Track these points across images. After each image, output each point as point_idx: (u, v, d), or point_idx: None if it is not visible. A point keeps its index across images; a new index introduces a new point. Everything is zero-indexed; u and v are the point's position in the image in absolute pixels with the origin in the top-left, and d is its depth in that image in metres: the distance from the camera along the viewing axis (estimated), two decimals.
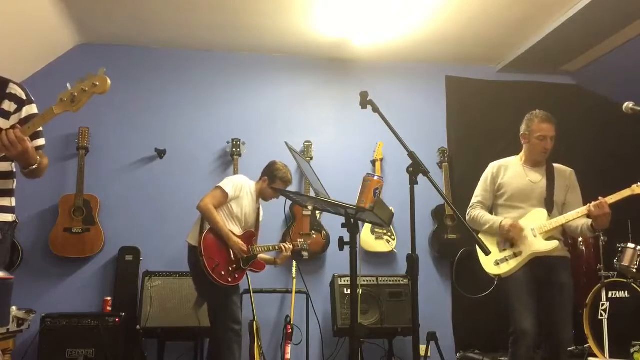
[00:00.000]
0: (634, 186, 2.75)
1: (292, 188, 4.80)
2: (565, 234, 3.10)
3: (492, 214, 3.15)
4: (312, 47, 4.93)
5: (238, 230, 3.59)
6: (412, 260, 2.22)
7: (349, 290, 4.22)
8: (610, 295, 3.95)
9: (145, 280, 4.21)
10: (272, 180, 3.68)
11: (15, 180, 2.20)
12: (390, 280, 4.43)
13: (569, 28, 4.33)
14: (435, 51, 5.02)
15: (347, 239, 2.24)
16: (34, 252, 4.43)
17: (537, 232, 2.92)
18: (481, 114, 5.17)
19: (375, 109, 2.37)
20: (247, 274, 3.77)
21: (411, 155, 2.23)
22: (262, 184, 3.72)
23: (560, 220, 2.91)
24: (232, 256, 3.51)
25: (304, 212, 4.58)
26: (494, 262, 2.97)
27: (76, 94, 1.98)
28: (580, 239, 4.46)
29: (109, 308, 4.28)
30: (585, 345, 4.03)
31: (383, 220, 2.34)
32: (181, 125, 4.87)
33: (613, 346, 3.83)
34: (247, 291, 4.17)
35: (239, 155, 4.70)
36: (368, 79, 5.10)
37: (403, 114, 4.98)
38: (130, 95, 4.81)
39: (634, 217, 4.02)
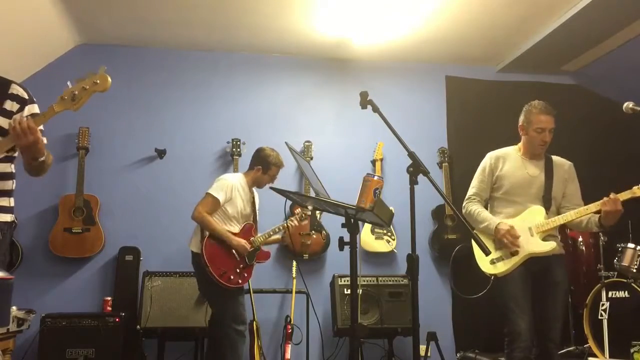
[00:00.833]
0: (635, 188, 2.73)
1: (292, 188, 4.82)
2: (561, 230, 3.05)
3: (487, 206, 3.09)
4: (312, 47, 4.93)
5: (237, 229, 3.59)
6: (412, 260, 2.21)
7: (349, 290, 4.22)
8: (610, 295, 3.95)
9: (145, 280, 4.21)
10: (267, 167, 3.66)
11: (14, 181, 2.21)
12: (390, 280, 4.43)
13: (569, 28, 4.32)
14: (435, 51, 5.02)
15: (347, 239, 2.24)
16: (34, 252, 4.43)
17: (535, 231, 2.85)
18: (481, 114, 5.17)
19: (375, 109, 2.36)
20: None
21: (411, 155, 2.23)
22: (255, 173, 3.68)
23: (559, 219, 2.86)
24: (237, 256, 3.51)
25: (304, 212, 4.56)
26: (490, 260, 2.90)
27: (77, 92, 1.99)
28: (580, 239, 4.45)
29: (109, 308, 4.28)
30: (585, 345, 4.04)
31: (383, 220, 2.33)
32: (181, 125, 4.87)
33: (613, 346, 3.83)
34: (247, 291, 4.16)
35: (239, 155, 4.70)
36: (368, 79, 5.10)
37: (403, 114, 4.98)
38: (130, 95, 4.81)
39: (634, 218, 4.01)
